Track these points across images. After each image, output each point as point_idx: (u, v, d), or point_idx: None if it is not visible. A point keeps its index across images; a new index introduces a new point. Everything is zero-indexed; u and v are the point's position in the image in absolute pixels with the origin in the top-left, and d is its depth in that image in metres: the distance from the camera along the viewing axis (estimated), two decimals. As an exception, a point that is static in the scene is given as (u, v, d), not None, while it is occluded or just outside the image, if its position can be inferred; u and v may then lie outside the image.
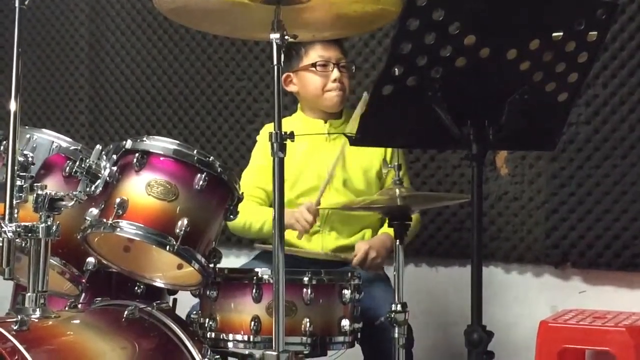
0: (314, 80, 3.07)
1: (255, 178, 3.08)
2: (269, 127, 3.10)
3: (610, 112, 3.28)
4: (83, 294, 2.59)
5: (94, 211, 2.31)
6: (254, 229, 3.00)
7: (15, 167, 2.18)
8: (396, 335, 2.53)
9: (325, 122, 3.12)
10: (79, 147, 2.43)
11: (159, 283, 2.54)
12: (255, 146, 3.22)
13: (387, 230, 2.98)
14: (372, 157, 3.06)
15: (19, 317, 2.10)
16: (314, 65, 3.04)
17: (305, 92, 3.12)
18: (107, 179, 2.32)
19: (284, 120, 3.11)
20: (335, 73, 3.04)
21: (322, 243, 3.05)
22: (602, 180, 3.29)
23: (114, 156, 2.36)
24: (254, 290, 2.39)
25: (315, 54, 3.05)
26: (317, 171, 3.06)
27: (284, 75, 3.08)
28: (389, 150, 3.05)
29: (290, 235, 2.89)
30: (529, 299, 3.49)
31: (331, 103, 3.08)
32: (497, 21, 2.01)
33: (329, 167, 2.98)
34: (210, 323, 2.44)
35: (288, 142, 2.23)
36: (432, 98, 2.07)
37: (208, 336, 2.45)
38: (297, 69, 3.08)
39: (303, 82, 3.10)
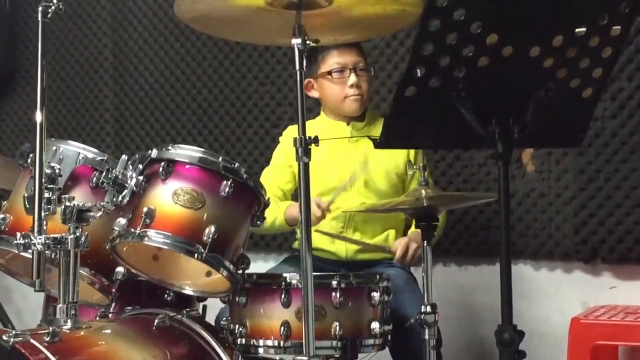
0: (332, 88, 3.07)
1: (273, 176, 3.12)
2: (293, 129, 3.11)
3: (636, 106, 3.26)
4: (113, 304, 2.61)
5: (122, 221, 2.32)
6: (266, 224, 3.01)
7: (43, 179, 2.19)
8: (426, 336, 2.53)
9: (348, 124, 3.12)
10: (105, 158, 2.44)
11: (188, 290, 2.55)
12: (277, 146, 3.23)
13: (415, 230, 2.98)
14: (395, 158, 3.06)
15: (51, 328, 2.12)
16: (329, 73, 3.04)
17: (325, 99, 3.13)
18: (134, 188, 2.33)
19: (308, 124, 3.11)
20: (352, 78, 3.04)
21: (345, 244, 3.05)
22: (630, 174, 3.27)
23: (140, 166, 2.36)
24: (282, 296, 2.39)
25: (332, 61, 3.05)
26: (338, 172, 3.07)
27: (305, 82, 3.08)
28: (412, 151, 3.05)
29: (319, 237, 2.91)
30: (560, 296, 3.47)
31: (350, 109, 3.09)
32: (519, 19, 1.99)
33: (352, 174, 2.97)
34: (241, 329, 2.44)
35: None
36: (455, 98, 2.06)
37: (238, 342, 2.45)
38: (316, 75, 3.08)
39: (322, 89, 3.11)
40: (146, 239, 2.29)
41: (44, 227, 2.17)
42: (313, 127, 3.12)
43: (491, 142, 2.09)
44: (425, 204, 2.56)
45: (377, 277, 2.51)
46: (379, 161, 3.05)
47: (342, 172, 3.07)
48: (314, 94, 3.15)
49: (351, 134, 3.11)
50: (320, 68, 3.08)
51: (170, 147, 2.40)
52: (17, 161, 2.47)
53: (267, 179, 3.09)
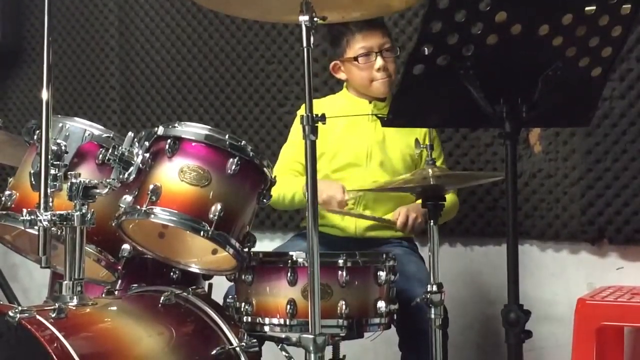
0: (359, 73, 3.08)
1: (293, 152, 3.11)
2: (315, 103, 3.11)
3: (645, 86, 3.24)
4: (119, 281, 2.62)
5: (128, 198, 2.32)
6: (287, 199, 3.02)
7: (49, 156, 2.19)
8: (432, 315, 2.53)
9: (370, 103, 3.12)
10: (112, 135, 2.43)
11: (194, 268, 2.55)
12: (295, 120, 3.22)
13: None
14: (410, 140, 3.04)
15: (57, 305, 2.12)
16: (356, 58, 3.03)
17: (352, 81, 3.13)
18: (140, 165, 2.33)
19: (329, 98, 3.09)
20: (379, 62, 3.03)
21: (355, 221, 3.05)
22: (638, 154, 3.25)
23: (146, 143, 2.36)
24: (289, 274, 2.39)
25: (357, 46, 3.04)
26: (355, 149, 3.08)
27: (332, 63, 3.14)
28: (424, 130, 3.04)
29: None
30: (566, 277, 3.46)
31: (379, 92, 3.10)
32: (528, -4, 1.98)
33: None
34: (247, 307, 2.44)
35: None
36: (463, 76, 2.05)
37: (244, 320, 2.46)
38: (343, 59, 3.08)
39: (349, 73, 3.12)
40: (152, 216, 2.29)
41: (50, 204, 2.17)
42: (334, 102, 3.14)
43: (499, 121, 2.08)
44: (432, 183, 2.55)
45: (384, 256, 2.51)
46: (397, 141, 3.06)
47: (359, 149, 3.08)
48: (341, 75, 3.16)
49: (372, 112, 3.10)
50: (346, 52, 3.08)
51: (176, 125, 2.39)
52: (23, 138, 2.47)
53: (286, 155, 3.11)
